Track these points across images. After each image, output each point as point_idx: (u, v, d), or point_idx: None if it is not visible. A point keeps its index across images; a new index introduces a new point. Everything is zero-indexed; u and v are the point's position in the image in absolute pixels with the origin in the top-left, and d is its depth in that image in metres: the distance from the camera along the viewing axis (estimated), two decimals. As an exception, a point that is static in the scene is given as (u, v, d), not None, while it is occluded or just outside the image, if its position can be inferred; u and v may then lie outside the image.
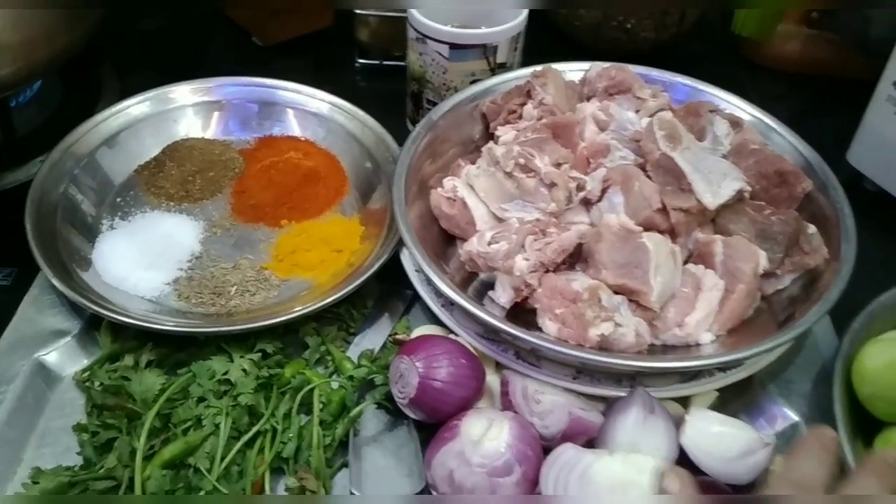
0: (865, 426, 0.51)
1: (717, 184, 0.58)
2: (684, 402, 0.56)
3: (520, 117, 0.68)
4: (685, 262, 0.59)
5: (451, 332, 0.59)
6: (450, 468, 0.49)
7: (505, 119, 0.69)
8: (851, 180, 0.75)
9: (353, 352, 0.60)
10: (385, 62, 0.88)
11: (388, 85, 0.84)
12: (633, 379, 0.56)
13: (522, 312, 0.58)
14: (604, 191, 0.60)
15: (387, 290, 0.64)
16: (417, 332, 0.61)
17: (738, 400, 0.57)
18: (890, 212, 0.72)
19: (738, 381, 0.56)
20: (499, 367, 0.57)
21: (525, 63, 0.75)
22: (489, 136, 0.69)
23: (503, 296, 0.58)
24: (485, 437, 0.49)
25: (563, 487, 0.48)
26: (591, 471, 0.48)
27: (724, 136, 0.65)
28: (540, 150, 0.60)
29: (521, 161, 0.60)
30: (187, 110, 0.77)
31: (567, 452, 0.49)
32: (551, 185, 0.59)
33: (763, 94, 0.86)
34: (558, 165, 0.60)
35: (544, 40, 0.87)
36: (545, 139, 0.61)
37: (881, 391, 0.48)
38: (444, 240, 0.64)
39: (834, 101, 0.88)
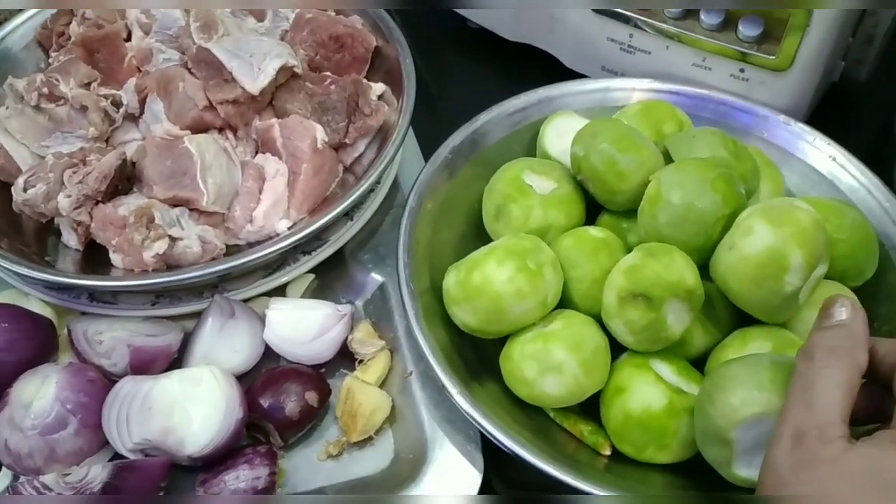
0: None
1: (257, 66, 0.55)
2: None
3: (69, 39, 0.61)
4: (256, 154, 0.57)
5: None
6: (4, 438, 0.46)
7: (57, 44, 0.62)
8: (458, 23, 0.75)
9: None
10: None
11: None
12: (216, 287, 0.54)
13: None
14: (143, 101, 0.56)
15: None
16: (-5, 299, 0.56)
17: (336, 280, 0.57)
18: (490, 45, 0.72)
19: (332, 261, 0.56)
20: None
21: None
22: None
23: (71, 239, 0.54)
24: (36, 396, 0.46)
25: (124, 422, 0.46)
26: (150, 397, 0.46)
27: (290, 10, 0.62)
28: (65, 74, 0.55)
29: (45, 90, 0.54)
30: None
31: (125, 386, 0.47)
32: (83, 109, 0.54)
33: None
34: (87, 86, 0.55)
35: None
36: (72, 60, 0.56)
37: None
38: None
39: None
